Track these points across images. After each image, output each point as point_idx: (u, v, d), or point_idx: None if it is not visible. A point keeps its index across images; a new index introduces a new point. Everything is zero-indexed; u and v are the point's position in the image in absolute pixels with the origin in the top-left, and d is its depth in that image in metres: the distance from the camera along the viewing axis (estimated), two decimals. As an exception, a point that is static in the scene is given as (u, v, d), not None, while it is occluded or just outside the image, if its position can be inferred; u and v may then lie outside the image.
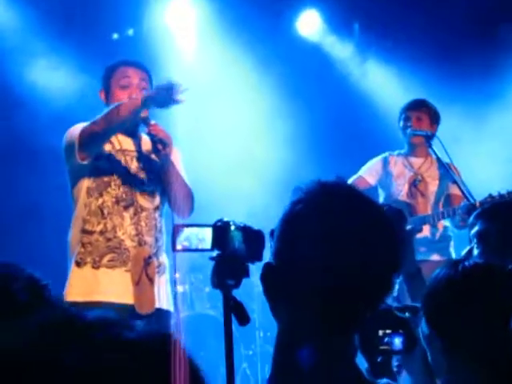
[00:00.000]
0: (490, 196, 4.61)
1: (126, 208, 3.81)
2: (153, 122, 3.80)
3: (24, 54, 6.32)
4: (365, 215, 1.39)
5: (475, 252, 2.77)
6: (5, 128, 6.28)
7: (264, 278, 1.44)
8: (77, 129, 3.77)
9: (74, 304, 3.69)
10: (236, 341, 5.87)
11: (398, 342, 1.95)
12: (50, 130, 5.57)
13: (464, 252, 2.88)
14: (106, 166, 3.84)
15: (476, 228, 2.79)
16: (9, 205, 6.00)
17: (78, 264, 3.75)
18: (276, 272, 1.41)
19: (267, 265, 1.44)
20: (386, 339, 1.95)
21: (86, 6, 6.30)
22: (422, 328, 1.88)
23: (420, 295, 1.92)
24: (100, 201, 3.79)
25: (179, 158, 4.02)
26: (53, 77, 6.38)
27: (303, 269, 1.37)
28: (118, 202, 3.81)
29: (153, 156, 3.90)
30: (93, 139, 3.72)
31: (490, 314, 1.75)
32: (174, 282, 4.05)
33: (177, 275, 5.50)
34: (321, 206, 1.39)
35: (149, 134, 3.80)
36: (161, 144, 3.76)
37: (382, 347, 1.95)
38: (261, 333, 6.48)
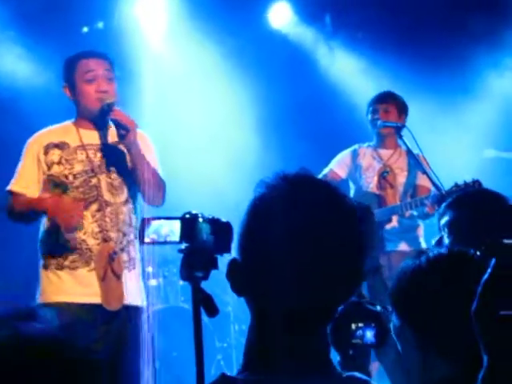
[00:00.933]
0: (456, 185, 4.65)
1: (86, 207, 3.78)
2: (116, 108, 3.79)
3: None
4: (328, 206, 1.38)
5: (446, 241, 2.79)
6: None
7: (229, 274, 1.43)
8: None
9: (43, 305, 3.73)
10: (210, 333, 5.94)
11: (370, 335, 1.94)
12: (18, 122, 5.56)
13: (434, 241, 2.90)
14: (60, 171, 3.83)
15: (446, 218, 2.81)
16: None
17: (45, 266, 3.82)
18: (242, 268, 1.41)
19: (232, 261, 1.43)
20: (358, 332, 1.95)
21: (56, -1, 6.26)
22: (393, 320, 1.89)
23: (378, 291, 1.93)
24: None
25: (151, 147, 3.98)
26: (19, 68, 6.33)
27: (268, 263, 1.35)
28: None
29: (121, 147, 3.87)
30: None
31: (457, 303, 1.76)
32: (147, 276, 4.05)
33: (149, 269, 5.52)
34: (284, 199, 1.37)
35: (112, 119, 3.77)
36: (123, 129, 3.73)
37: (354, 341, 1.94)
38: (236, 326, 6.50)
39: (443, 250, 1.90)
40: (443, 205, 2.90)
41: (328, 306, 1.40)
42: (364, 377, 1.39)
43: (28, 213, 3.84)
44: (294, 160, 6.04)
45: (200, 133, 6.73)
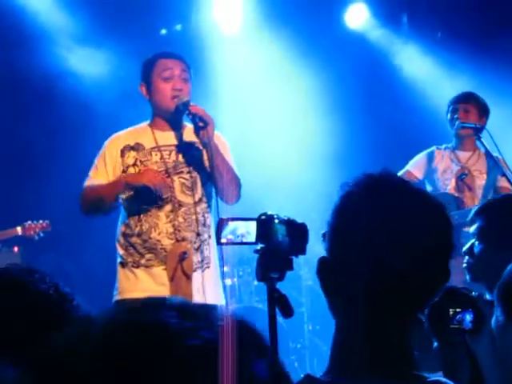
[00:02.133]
0: None
1: (160, 208, 3.85)
2: (193, 104, 3.83)
3: (71, 45, 6.43)
4: (414, 205, 1.39)
5: (476, 249, 2.76)
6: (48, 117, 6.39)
7: (319, 272, 1.44)
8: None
9: (120, 302, 3.82)
10: (284, 334, 5.94)
11: (468, 320, 1.93)
12: (94, 123, 5.68)
13: (465, 248, 2.85)
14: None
15: (475, 224, 2.78)
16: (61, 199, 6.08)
17: (122, 265, 3.93)
18: (330, 267, 1.41)
19: (322, 259, 1.43)
20: (457, 317, 1.93)
21: (135, 1, 6.37)
22: (498, 317, 1.86)
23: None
24: (136, 205, 3.86)
25: (226, 146, 4.00)
26: (100, 71, 6.46)
27: (356, 263, 1.36)
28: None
29: (196, 146, 3.90)
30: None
31: None
32: (222, 275, 4.10)
33: (225, 268, 5.57)
34: (370, 199, 1.38)
35: (189, 114, 3.79)
36: (202, 122, 3.74)
37: (453, 326, 1.93)
38: (309, 326, 6.49)
39: None
40: (472, 212, 2.85)
41: (414, 307, 1.40)
42: (449, 382, 1.37)
43: (105, 198, 3.87)
44: (370, 160, 6.00)
45: (275, 131, 6.73)
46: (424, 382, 1.36)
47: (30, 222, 5.57)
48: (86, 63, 6.46)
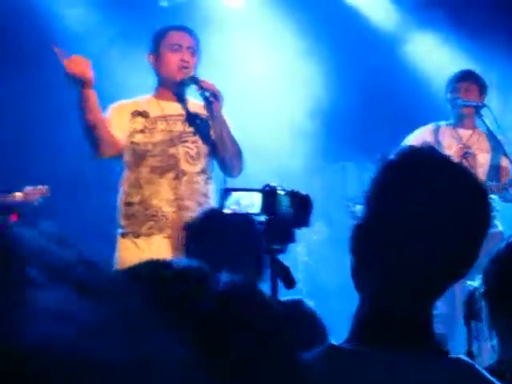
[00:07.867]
0: None
1: (162, 175, 3.89)
2: (201, 79, 3.91)
3: (72, 13, 6.38)
4: (457, 182, 1.40)
5: None
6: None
7: (353, 237, 1.44)
8: None
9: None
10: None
11: None
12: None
13: None
14: (140, 138, 3.95)
15: None
16: (55, 173, 6.04)
17: (123, 235, 3.96)
18: (364, 232, 1.42)
19: (357, 225, 1.44)
20: None
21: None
22: None
23: None
24: (137, 172, 3.92)
25: (228, 122, 4.05)
26: (100, 41, 6.41)
27: (390, 232, 1.38)
28: (153, 171, 3.91)
29: (202, 117, 3.98)
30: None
31: None
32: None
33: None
34: (410, 170, 1.40)
35: (200, 89, 3.88)
36: (213, 97, 3.84)
37: None
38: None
39: None
40: None
41: (442, 283, 1.41)
42: (470, 360, 1.38)
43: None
44: (366, 137, 6.00)
45: (269, 109, 6.66)
46: (445, 357, 1.37)
47: (29, 188, 5.39)
48: (88, 33, 6.40)
